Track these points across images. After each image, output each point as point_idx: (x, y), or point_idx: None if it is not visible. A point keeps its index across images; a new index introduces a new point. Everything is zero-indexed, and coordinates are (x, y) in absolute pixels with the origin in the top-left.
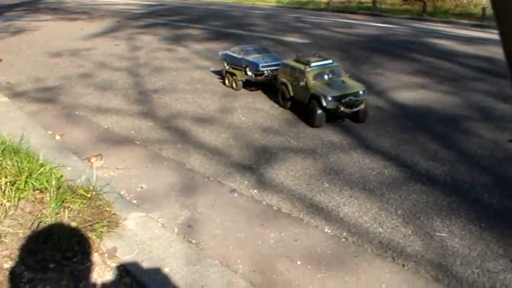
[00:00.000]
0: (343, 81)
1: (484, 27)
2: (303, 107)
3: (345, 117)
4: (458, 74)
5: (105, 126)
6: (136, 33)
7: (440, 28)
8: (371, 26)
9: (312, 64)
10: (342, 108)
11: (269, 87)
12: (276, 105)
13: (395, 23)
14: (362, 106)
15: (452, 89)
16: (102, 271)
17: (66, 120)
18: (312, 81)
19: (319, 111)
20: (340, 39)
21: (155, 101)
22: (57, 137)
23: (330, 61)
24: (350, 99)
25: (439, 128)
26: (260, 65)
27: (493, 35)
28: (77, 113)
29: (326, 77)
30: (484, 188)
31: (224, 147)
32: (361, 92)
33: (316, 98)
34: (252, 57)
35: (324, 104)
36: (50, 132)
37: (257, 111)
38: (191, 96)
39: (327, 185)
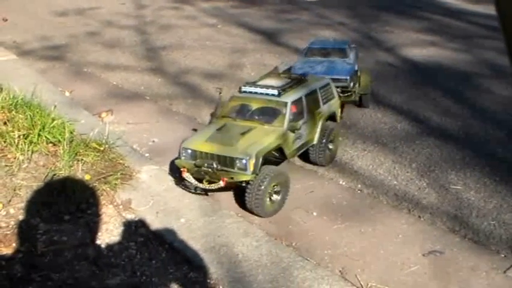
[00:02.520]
0: (243, 133)
1: None
2: None
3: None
4: (468, 32)
5: (114, 83)
6: None
7: None
8: None
9: (243, 89)
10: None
11: None
12: (287, 61)
13: None
14: (218, 185)
15: (463, 47)
16: (117, 222)
17: (75, 77)
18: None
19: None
20: None
21: (163, 57)
22: (67, 93)
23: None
24: (207, 166)
25: (451, 84)
26: None
27: None
28: (85, 70)
29: (247, 114)
30: (498, 142)
31: None
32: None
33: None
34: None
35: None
36: (59, 89)
37: (266, 67)
38: (200, 52)
39: (340, 139)
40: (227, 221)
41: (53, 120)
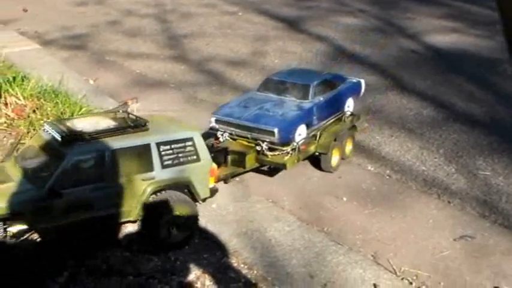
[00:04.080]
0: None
1: None
2: None
3: None
4: (490, 18)
5: (138, 71)
6: None
7: None
8: None
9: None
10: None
11: None
12: (309, 48)
13: None
14: None
15: (485, 33)
16: None
17: (98, 66)
18: None
19: None
20: None
21: (185, 45)
22: (91, 82)
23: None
24: None
25: (474, 70)
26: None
27: None
28: (107, 58)
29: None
30: None
31: None
32: None
33: None
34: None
35: None
36: (84, 77)
37: (289, 54)
38: (222, 40)
39: (366, 125)
40: (258, 206)
41: (81, 108)
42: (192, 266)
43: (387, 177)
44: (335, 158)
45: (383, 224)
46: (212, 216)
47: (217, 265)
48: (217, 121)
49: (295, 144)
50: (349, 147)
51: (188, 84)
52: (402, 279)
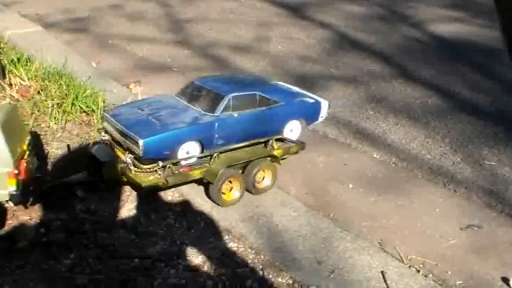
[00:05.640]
0: None
1: None
2: None
3: None
4: (493, 8)
5: (140, 55)
6: None
7: None
8: None
9: None
10: None
11: None
12: (313, 35)
13: None
14: None
15: (489, 23)
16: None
17: (101, 49)
18: None
19: None
20: None
21: (188, 30)
22: (94, 64)
23: None
24: None
25: (480, 59)
26: None
27: None
28: (110, 42)
29: None
30: None
31: (263, 74)
32: None
33: None
34: None
35: None
36: (87, 60)
37: (293, 40)
38: (224, 25)
39: (371, 112)
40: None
41: (85, 90)
42: (198, 250)
43: (393, 165)
44: (235, 192)
45: (389, 211)
46: None
47: (224, 250)
48: (106, 121)
49: (163, 163)
50: (265, 180)
51: (191, 69)
52: (409, 267)
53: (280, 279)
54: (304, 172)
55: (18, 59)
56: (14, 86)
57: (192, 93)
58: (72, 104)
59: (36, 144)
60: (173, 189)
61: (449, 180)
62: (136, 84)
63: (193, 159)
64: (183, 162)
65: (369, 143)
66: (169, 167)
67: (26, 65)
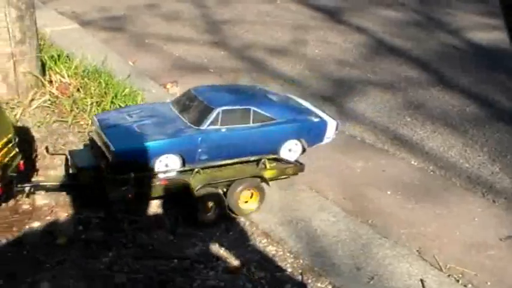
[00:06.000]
0: None
1: None
2: None
3: None
4: None
5: (177, 54)
6: None
7: None
8: None
9: None
10: None
11: None
12: (350, 39)
13: None
14: None
15: None
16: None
17: (137, 48)
18: None
19: None
20: None
21: (225, 31)
22: (130, 63)
23: None
24: None
25: None
26: None
27: None
28: (146, 41)
29: None
30: None
31: (301, 77)
32: None
33: None
34: None
35: None
36: (124, 59)
37: (330, 44)
38: (261, 27)
39: (408, 119)
40: (302, 195)
41: (124, 88)
42: (237, 252)
43: (431, 172)
44: (211, 211)
45: (427, 219)
46: None
47: (263, 253)
48: (94, 124)
49: (135, 174)
50: (250, 202)
51: (228, 70)
52: (448, 276)
53: (319, 284)
54: (341, 177)
55: (59, 56)
56: (54, 83)
57: (185, 102)
58: (112, 102)
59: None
60: None
61: (487, 190)
62: (173, 84)
63: (173, 173)
64: (161, 175)
65: (406, 150)
66: (143, 179)
67: (66, 63)
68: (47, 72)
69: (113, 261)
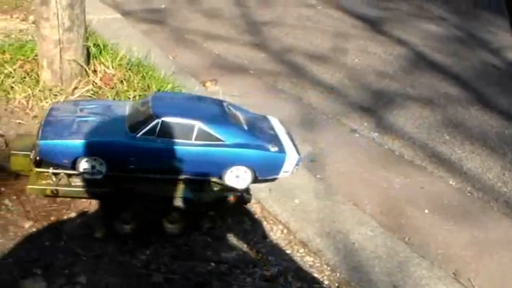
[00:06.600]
0: None
1: None
2: None
3: None
4: None
5: (217, 52)
6: None
7: None
8: None
9: None
10: None
11: None
12: (389, 51)
13: None
14: None
15: None
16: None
17: (177, 43)
18: None
19: None
20: None
21: (265, 33)
22: (170, 58)
23: None
24: None
25: None
26: None
27: None
28: (186, 36)
29: None
30: None
31: (340, 86)
32: None
33: None
34: None
35: None
36: (165, 53)
37: (369, 55)
38: (301, 32)
39: (447, 137)
40: (341, 207)
41: (167, 84)
42: (274, 260)
43: (468, 194)
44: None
45: (464, 241)
46: (295, 211)
47: (300, 263)
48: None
49: (54, 170)
50: (178, 223)
51: (268, 73)
52: None
53: None
54: (380, 191)
55: (104, 46)
56: (98, 72)
57: (139, 106)
58: None
59: None
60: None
61: None
62: (212, 83)
63: (100, 177)
64: (86, 177)
65: (445, 169)
66: (62, 177)
67: (111, 53)
68: (91, 62)
69: (150, 259)
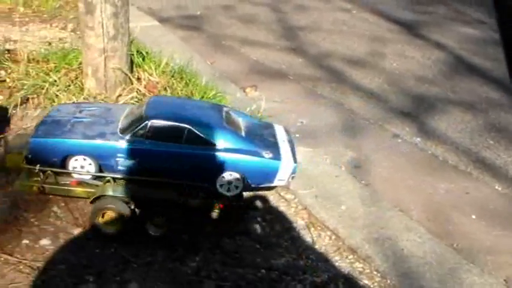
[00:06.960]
0: None
1: None
2: None
3: None
4: None
5: (255, 58)
6: None
7: None
8: None
9: None
10: None
11: None
12: (428, 55)
13: None
14: None
15: None
16: (276, 201)
17: (215, 49)
18: None
19: None
20: None
21: (301, 38)
22: (208, 63)
23: None
24: None
25: None
26: None
27: None
28: (223, 42)
29: None
30: None
31: (380, 91)
32: None
33: None
34: None
35: None
36: (203, 60)
37: (407, 59)
38: (338, 36)
39: (491, 142)
40: (388, 213)
41: (210, 90)
42: (323, 267)
43: None
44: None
45: None
46: (342, 218)
47: (350, 269)
48: None
49: (41, 168)
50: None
51: (307, 78)
52: None
53: None
54: (425, 197)
55: (147, 53)
56: (142, 80)
57: (135, 109)
58: None
59: None
60: (296, 200)
61: None
62: (252, 89)
63: (89, 177)
64: (75, 176)
65: (490, 174)
66: (49, 174)
67: (154, 61)
68: (134, 69)
69: (200, 266)
